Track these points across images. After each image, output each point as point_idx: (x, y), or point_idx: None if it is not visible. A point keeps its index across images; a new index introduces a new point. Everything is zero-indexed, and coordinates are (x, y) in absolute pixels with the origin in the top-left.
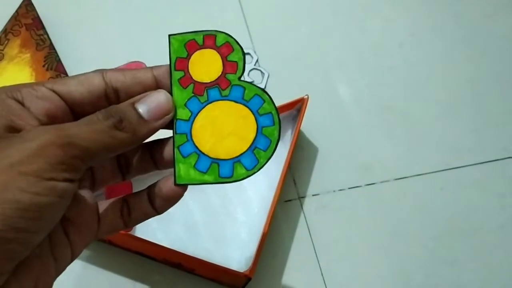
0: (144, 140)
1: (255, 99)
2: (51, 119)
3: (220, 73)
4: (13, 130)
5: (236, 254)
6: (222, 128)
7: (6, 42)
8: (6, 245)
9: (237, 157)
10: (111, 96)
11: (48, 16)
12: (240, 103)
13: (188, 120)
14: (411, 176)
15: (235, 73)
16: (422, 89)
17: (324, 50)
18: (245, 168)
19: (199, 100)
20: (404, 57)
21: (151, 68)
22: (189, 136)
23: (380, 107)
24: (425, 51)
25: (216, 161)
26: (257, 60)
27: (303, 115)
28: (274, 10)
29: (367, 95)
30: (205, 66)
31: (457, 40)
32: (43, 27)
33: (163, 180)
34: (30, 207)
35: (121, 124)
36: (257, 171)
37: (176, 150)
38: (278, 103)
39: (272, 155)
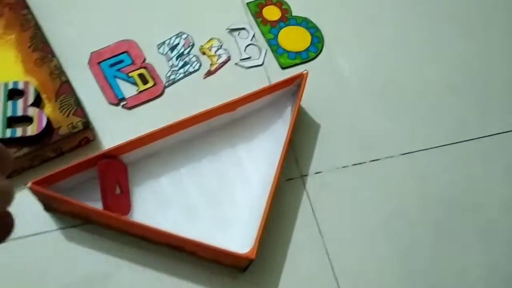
0: None
1: (304, 23)
2: None
3: (280, 15)
4: None
5: (237, 236)
6: (292, 37)
7: None
8: None
9: (306, 48)
10: None
11: None
12: (297, 25)
13: (274, 38)
14: (416, 151)
15: (288, 14)
16: (426, 63)
17: (323, 24)
18: (314, 53)
19: (276, 28)
20: (407, 31)
21: None
22: (278, 45)
23: (383, 81)
24: (429, 25)
25: (298, 52)
26: (253, 36)
27: (303, 90)
28: None
29: (370, 70)
30: (271, 13)
31: (462, 12)
32: (27, 7)
33: None
34: None
35: None
36: (319, 53)
37: (275, 53)
38: (277, 79)
39: (323, 45)
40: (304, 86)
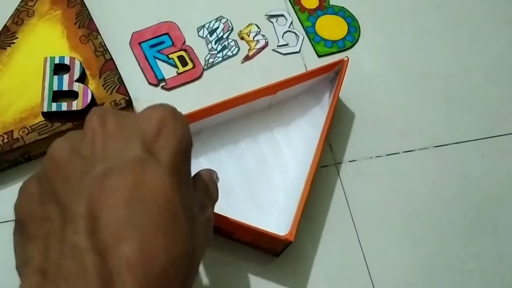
0: None
1: (341, 12)
2: None
3: (318, 3)
4: None
5: (273, 219)
6: (329, 26)
7: None
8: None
9: (343, 38)
10: None
11: None
12: (334, 14)
13: (312, 26)
14: (451, 144)
15: (326, 2)
16: (462, 53)
17: (359, 13)
18: (350, 42)
19: (313, 16)
20: (443, 20)
21: None
22: (315, 33)
23: (418, 72)
24: (466, 12)
25: (334, 41)
26: (291, 22)
27: (343, 77)
28: None
29: (405, 60)
30: (310, 1)
31: (499, 2)
32: None
33: None
34: None
35: None
36: (355, 43)
37: (312, 41)
38: (313, 66)
39: (359, 35)
40: (345, 72)
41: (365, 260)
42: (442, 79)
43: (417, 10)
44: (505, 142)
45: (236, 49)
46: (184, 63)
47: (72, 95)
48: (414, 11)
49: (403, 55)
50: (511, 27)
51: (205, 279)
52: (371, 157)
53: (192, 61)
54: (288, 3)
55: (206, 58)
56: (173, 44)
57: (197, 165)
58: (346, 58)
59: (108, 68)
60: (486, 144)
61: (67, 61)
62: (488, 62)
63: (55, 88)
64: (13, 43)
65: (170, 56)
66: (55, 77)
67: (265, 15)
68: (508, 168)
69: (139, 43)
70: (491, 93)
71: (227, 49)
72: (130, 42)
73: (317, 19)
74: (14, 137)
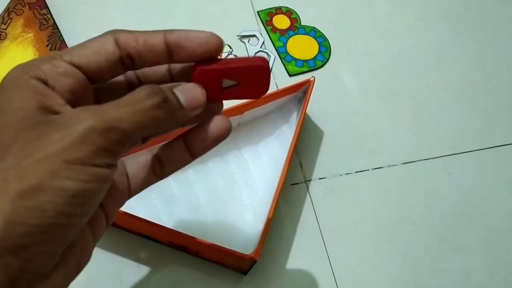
0: (176, 128)
1: (312, 32)
2: (75, 96)
3: (290, 24)
4: (45, 110)
5: (240, 237)
6: (300, 46)
7: (9, 21)
8: (58, 230)
9: (314, 57)
10: (126, 62)
11: None
12: (305, 35)
13: (283, 46)
14: (419, 161)
15: (297, 23)
16: (431, 73)
17: (330, 33)
18: (321, 61)
19: (285, 36)
20: (413, 41)
21: (164, 32)
22: (286, 53)
23: (388, 91)
24: (434, 35)
25: (305, 60)
26: (263, 43)
27: (310, 97)
28: None
29: (374, 79)
30: (281, 21)
31: (467, 24)
32: (46, 7)
33: (215, 121)
34: (78, 194)
35: (165, 104)
36: (326, 62)
37: (283, 60)
38: (284, 85)
39: (330, 54)
40: (311, 92)
41: (334, 277)
42: (410, 98)
43: (387, 31)
44: (471, 158)
45: None
46: None
47: None
48: (384, 31)
49: (372, 74)
50: (478, 48)
51: None
52: (341, 175)
53: None
54: (260, 23)
55: None
56: None
57: (166, 184)
58: (312, 78)
59: None
60: (453, 161)
61: None
62: (455, 81)
63: None
64: None
65: None
66: None
67: (238, 35)
68: (475, 184)
69: None
70: (458, 111)
71: None
72: None
73: (288, 39)
74: None
